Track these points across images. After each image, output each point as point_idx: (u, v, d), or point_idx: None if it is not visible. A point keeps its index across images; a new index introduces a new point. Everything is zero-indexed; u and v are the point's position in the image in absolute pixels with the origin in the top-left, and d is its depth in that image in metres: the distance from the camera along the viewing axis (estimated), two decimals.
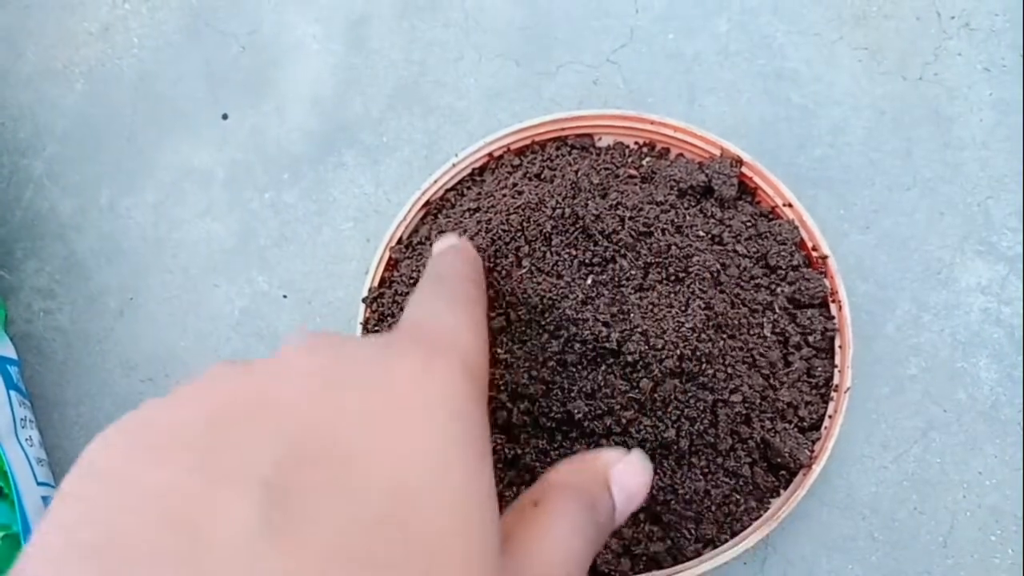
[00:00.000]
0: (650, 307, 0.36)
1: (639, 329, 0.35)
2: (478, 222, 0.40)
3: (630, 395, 0.35)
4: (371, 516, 0.14)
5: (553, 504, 0.19)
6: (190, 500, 0.13)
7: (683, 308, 0.37)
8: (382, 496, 0.14)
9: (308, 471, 0.14)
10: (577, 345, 0.35)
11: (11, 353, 0.48)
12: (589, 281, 0.37)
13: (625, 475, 0.21)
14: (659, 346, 0.35)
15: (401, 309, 0.40)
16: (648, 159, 0.44)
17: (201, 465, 0.14)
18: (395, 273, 0.43)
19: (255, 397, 0.16)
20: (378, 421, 0.15)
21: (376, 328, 0.42)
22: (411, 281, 0.41)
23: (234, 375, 0.17)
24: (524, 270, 0.38)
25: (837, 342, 0.40)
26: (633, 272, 0.38)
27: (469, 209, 0.42)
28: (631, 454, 0.22)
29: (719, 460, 0.37)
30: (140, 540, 0.13)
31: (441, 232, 0.42)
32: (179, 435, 0.15)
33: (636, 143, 0.45)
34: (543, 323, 0.36)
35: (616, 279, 0.37)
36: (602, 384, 0.35)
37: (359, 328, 0.42)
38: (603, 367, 0.35)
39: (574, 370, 0.35)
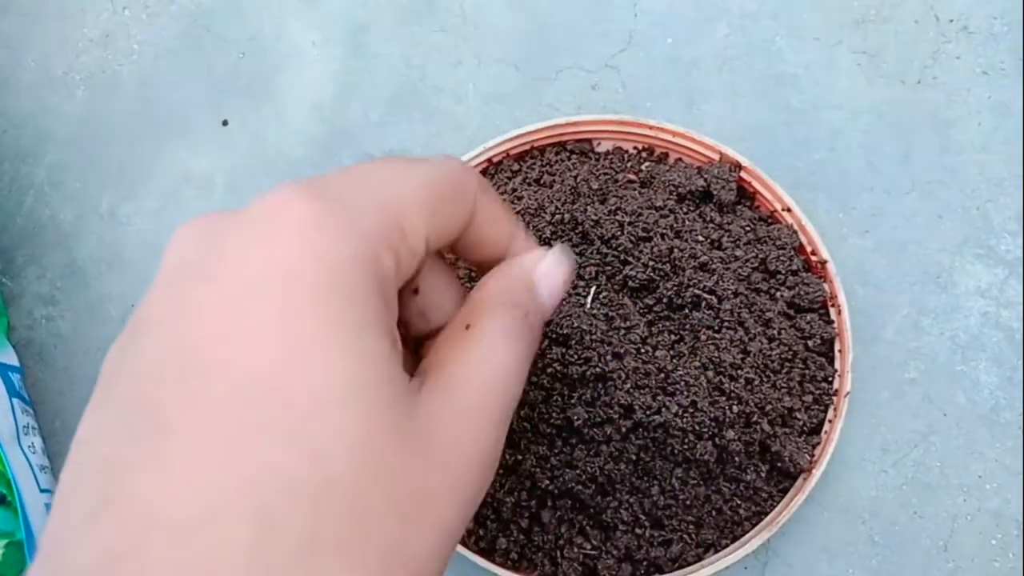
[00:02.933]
0: (653, 346, 0.37)
1: (640, 371, 0.35)
2: None
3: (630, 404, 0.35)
4: (234, 419, 0.13)
5: (484, 320, 0.19)
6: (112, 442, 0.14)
7: (691, 350, 0.37)
8: (242, 397, 0.14)
9: (169, 390, 0.14)
10: (575, 368, 0.35)
11: (13, 360, 0.48)
12: (589, 302, 0.38)
13: (549, 276, 0.21)
14: (661, 384, 0.36)
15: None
16: (647, 164, 0.44)
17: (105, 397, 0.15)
18: None
19: (140, 313, 0.16)
20: (231, 306, 0.15)
21: None
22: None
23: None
24: None
25: (836, 346, 0.40)
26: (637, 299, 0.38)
27: None
28: (550, 252, 0.22)
29: (719, 465, 0.37)
30: None
31: None
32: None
33: (635, 148, 0.45)
34: (544, 331, 0.36)
35: (622, 314, 0.37)
36: (602, 392, 0.35)
37: None
38: (603, 381, 0.35)
39: (575, 378, 0.35)
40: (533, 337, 0.20)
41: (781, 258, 0.40)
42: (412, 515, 0.15)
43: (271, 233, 0.15)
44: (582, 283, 0.38)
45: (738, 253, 0.40)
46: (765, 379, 0.38)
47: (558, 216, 0.40)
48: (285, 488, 0.13)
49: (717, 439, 0.35)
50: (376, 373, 0.15)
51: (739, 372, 0.37)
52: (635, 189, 0.43)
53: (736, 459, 0.36)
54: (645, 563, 0.37)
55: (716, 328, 0.38)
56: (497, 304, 0.20)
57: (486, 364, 0.18)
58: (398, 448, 0.15)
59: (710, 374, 0.36)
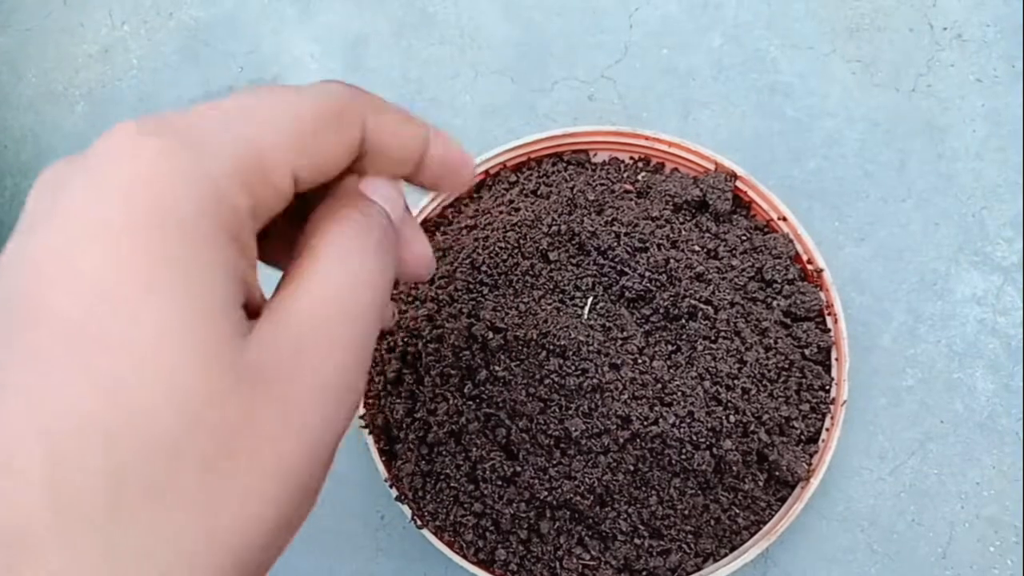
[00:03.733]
0: (650, 356, 0.37)
1: (637, 382, 0.36)
2: (475, 239, 0.41)
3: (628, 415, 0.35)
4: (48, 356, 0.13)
5: (312, 241, 0.18)
6: None
7: (687, 360, 0.37)
8: (62, 344, 0.13)
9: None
10: (573, 379, 0.35)
11: None
12: (586, 313, 0.38)
13: (374, 184, 0.20)
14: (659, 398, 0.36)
15: (399, 326, 0.41)
16: (643, 174, 0.45)
17: None
18: (394, 290, 0.44)
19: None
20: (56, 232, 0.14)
21: (375, 346, 0.42)
22: (410, 298, 0.42)
23: None
24: (524, 296, 0.38)
25: (833, 355, 0.40)
26: (635, 312, 0.38)
27: (466, 226, 0.43)
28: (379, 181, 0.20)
29: (717, 475, 0.37)
30: None
31: (440, 249, 0.42)
32: None
33: (631, 158, 0.46)
34: (542, 343, 0.36)
35: (618, 325, 0.37)
36: (599, 403, 0.35)
37: None
38: (600, 392, 0.35)
39: (572, 389, 0.35)
40: (378, 247, 0.19)
41: (777, 267, 0.41)
42: (240, 453, 0.14)
43: (107, 175, 0.15)
44: (579, 294, 0.39)
45: (734, 263, 0.41)
46: (762, 388, 0.38)
47: (555, 227, 0.40)
48: (78, 428, 0.13)
49: (714, 449, 0.35)
50: (203, 313, 0.14)
51: (736, 382, 0.37)
52: (631, 199, 0.43)
53: (734, 469, 0.36)
54: (644, 573, 0.37)
55: (712, 338, 0.38)
56: (328, 220, 0.18)
57: (318, 288, 0.17)
58: (223, 386, 0.14)
59: (707, 384, 0.36)
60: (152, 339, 0.14)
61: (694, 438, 0.35)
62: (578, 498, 0.35)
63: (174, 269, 0.14)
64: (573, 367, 0.35)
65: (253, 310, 0.17)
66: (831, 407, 0.39)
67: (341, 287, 0.17)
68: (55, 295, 0.14)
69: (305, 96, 0.18)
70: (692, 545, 0.37)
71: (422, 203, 0.44)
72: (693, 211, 0.43)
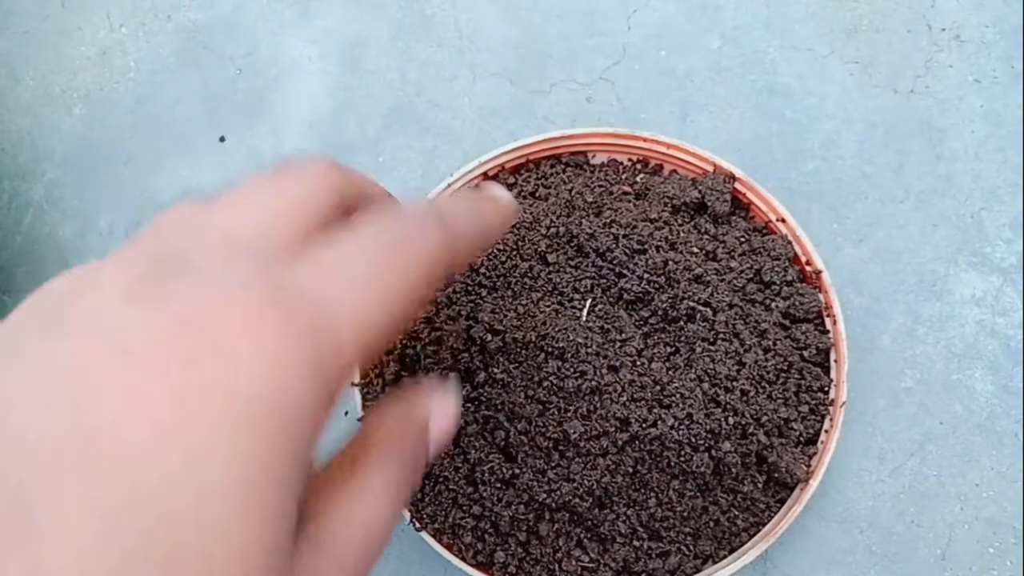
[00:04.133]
0: (649, 358, 0.37)
1: (636, 384, 0.36)
2: None
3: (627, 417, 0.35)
4: (114, 504, 0.12)
5: (370, 473, 0.18)
6: None
7: (686, 362, 0.37)
8: (128, 484, 0.12)
9: (53, 467, 0.12)
10: (571, 381, 0.35)
11: None
12: (585, 315, 0.38)
13: (441, 421, 0.20)
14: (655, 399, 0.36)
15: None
16: (642, 176, 0.45)
17: None
18: None
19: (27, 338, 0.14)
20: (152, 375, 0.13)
21: None
22: None
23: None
24: (522, 298, 0.38)
25: (832, 356, 0.40)
26: (633, 315, 0.38)
27: None
28: (445, 396, 0.20)
29: (716, 477, 0.37)
30: None
31: None
32: None
33: (630, 160, 0.45)
34: (541, 345, 0.36)
35: (617, 327, 0.37)
36: (598, 405, 0.35)
37: None
38: (598, 394, 0.35)
39: (571, 391, 0.35)
40: (415, 480, 0.19)
41: (776, 269, 0.41)
42: None
43: (222, 345, 0.14)
44: (578, 295, 0.39)
45: (733, 264, 0.41)
46: (761, 390, 0.38)
47: (553, 229, 0.40)
48: None
49: (713, 451, 0.35)
50: (285, 533, 0.14)
51: (735, 384, 0.37)
52: (630, 201, 0.43)
53: (733, 470, 0.36)
54: (643, 575, 0.37)
55: (711, 340, 0.38)
56: (387, 453, 0.18)
57: (365, 523, 0.17)
58: None
59: (705, 386, 0.36)
60: (236, 559, 0.13)
61: (693, 440, 0.35)
62: (577, 500, 0.35)
63: (268, 483, 0.14)
64: (572, 369, 0.35)
65: None
66: (830, 409, 0.39)
67: (382, 524, 0.18)
68: (146, 466, 0.13)
69: (414, 266, 0.17)
70: (691, 547, 0.37)
71: None
72: (692, 213, 0.43)
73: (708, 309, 0.38)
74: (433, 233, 0.18)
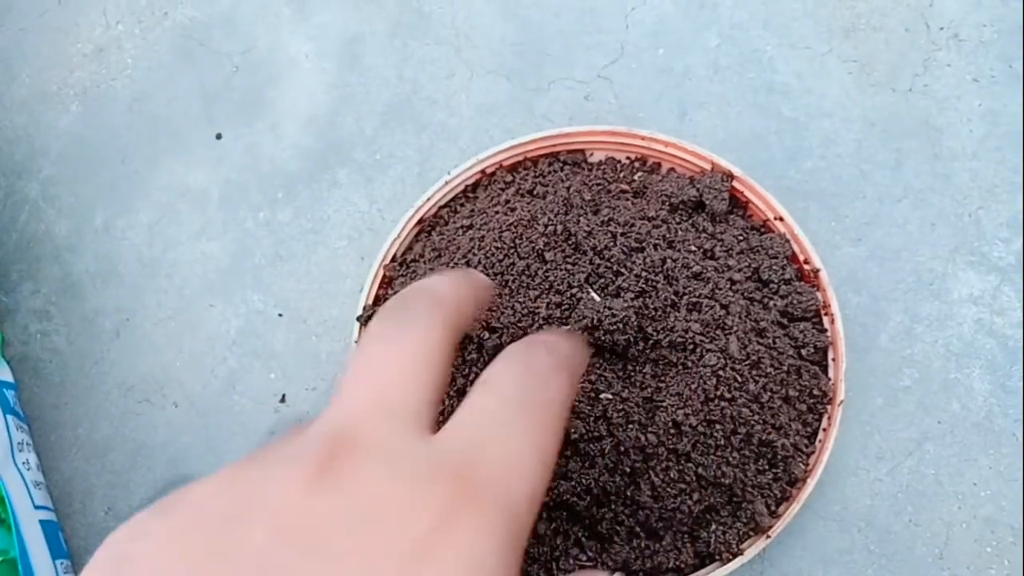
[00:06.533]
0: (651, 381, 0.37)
1: (635, 383, 0.36)
2: (471, 239, 0.40)
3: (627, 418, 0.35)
4: None
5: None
6: None
7: (683, 364, 0.37)
8: None
9: None
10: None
11: (8, 376, 0.48)
12: (596, 297, 0.38)
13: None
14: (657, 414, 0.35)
15: None
16: (640, 174, 0.44)
17: None
18: (389, 291, 0.44)
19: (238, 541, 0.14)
20: None
21: None
22: None
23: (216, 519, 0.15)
24: (519, 296, 0.38)
25: (830, 355, 0.40)
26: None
27: (462, 226, 0.42)
28: None
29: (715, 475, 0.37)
30: None
31: (435, 249, 0.42)
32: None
33: (628, 158, 0.45)
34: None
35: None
36: (597, 404, 0.35)
37: (354, 347, 0.43)
38: (597, 394, 0.35)
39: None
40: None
41: (774, 267, 0.41)
42: None
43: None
44: (575, 289, 0.38)
45: (731, 263, 0.40)
46: (759, 389, 0.38)
47: (551, 227, 0.40)
48: None
49: (712, 449, 0.35)
50: None
51: (732, 383, 0.37)
52: (628, 199, 0.43)
53: (731, 469, 0.36)
54: (641, 574, 0.37)
55: (710, 338, 0.38)
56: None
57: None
58: None
59: (703, 384, 0.36)
60: None
61: (691, 438, 0.35)
62: (575, 499, 0.35)
63: None
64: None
65: None
66: (828, 407, 0.39)
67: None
68: None
69: (559, 420, 0.18)
70: (691, 546, 0.37)
71: (417, 203, 0.44)
72: (689, 211, 0.43)
73: (714, 306, 0.38)
74: (566, 378, 0.19)
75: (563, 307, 0.37)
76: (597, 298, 0.37)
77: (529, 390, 0.18)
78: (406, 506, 0.14)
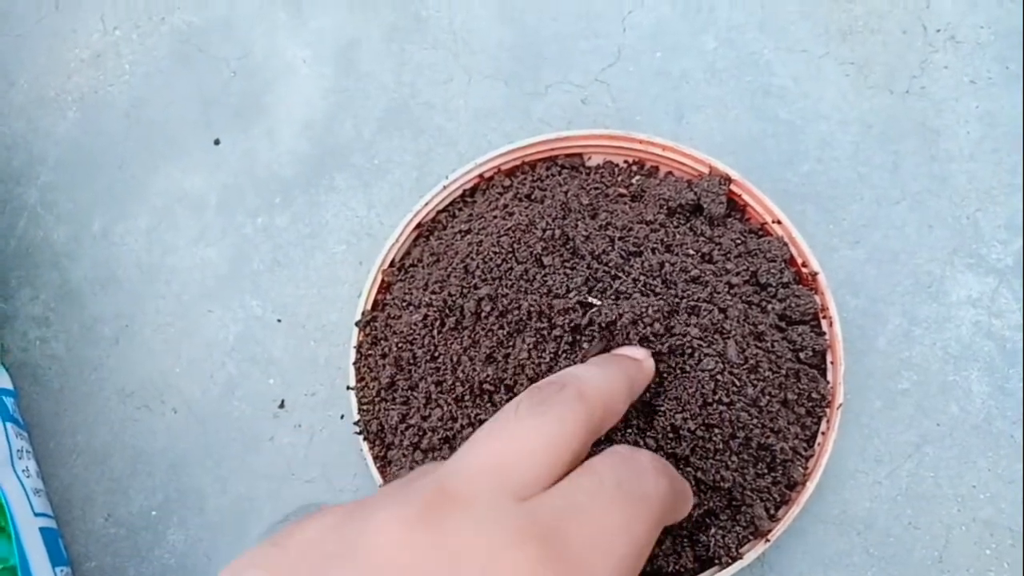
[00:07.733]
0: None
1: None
2: (469, 244, 0.40)
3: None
4: None
5: None
6: None
7: (681, 367, 0.37)
8: None
9: None
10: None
11: (7, 384, 0.48)
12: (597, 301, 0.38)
13: None
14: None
15: (394, 332, 0.40)
16: (638, 178, 0.44)
17: None
18: (388, 296, 0.44)
19: None
20: None
21: (369, 352, 0.42)
22: (403, 303, 0.41)
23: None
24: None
25: (829, 358, 0.40)
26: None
27: (460, 231, 0.42)
28: None
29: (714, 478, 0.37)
30: None
31: (434, 254, 0.42)
32: None
33: (625, 162, 0.45)
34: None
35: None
36: None
37: (352, 352, 0.43)
38: None
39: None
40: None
41: (772, 270, 0.41)
42: None
43: None
44: (573, 293, 0.38)
45: (729, 266, 0.41)
46: (757, 392, 0.38)
47: (549, 232, 0.40)
48: None
49: (710, 453, 0.35)
50: None
51: (730, 386, 0.36)
52: (626, 203, 0.43)
53: (730, 473, 0.36)
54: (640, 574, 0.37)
55: (707, 342, 0.38)
56: None
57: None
58: None
59: (702, 388, 0.36)
60: None
61: (689, 442, 0.35)
62: None
63: None
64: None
65: None
66: (826, 410, 0.39)
67: None
68: None
69: (655, 519, 0.20)
70: (689, 549, 0.37)
71: (415, 208, 0.44)
72: (687, 215, 0.43)
73: (712, 310, 0.38)
74: (664, 477, 0.21)
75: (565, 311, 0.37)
76: (596, 303, 0.37)
77: (627, 480, 0.19)
78: (488, 558, 0.15)
